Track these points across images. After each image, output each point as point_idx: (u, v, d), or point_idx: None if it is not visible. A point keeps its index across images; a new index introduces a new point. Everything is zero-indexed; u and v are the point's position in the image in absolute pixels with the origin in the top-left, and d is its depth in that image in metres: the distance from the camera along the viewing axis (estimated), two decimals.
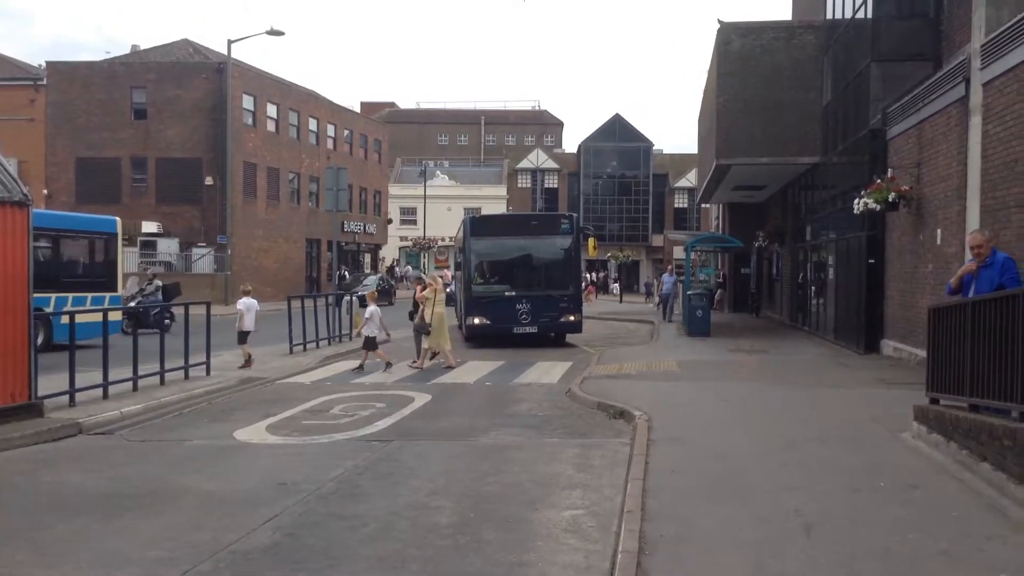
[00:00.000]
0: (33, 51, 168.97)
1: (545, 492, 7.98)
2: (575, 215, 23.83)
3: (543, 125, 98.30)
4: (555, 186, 73.35)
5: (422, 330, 17.43)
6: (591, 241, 23.20)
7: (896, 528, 6.36)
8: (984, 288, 8.41)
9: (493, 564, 6.06)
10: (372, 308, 17.51)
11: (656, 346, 22.01)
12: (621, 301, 48.83)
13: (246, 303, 17.40)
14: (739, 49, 23.26)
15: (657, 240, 69.20)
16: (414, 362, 17.70)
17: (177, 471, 9.07)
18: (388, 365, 17.08)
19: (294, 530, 6.86)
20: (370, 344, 17.25)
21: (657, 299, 25.91)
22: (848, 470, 8.20)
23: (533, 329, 21.43)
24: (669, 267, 27.59)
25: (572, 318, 21.86)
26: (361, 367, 17.09)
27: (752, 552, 5.93)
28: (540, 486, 8.19)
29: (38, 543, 6.64)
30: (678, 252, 43.40)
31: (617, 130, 72.47)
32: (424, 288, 17.93)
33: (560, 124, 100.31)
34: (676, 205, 72.81)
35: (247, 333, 17.21)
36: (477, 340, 21.90)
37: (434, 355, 17.77)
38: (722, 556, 5.90)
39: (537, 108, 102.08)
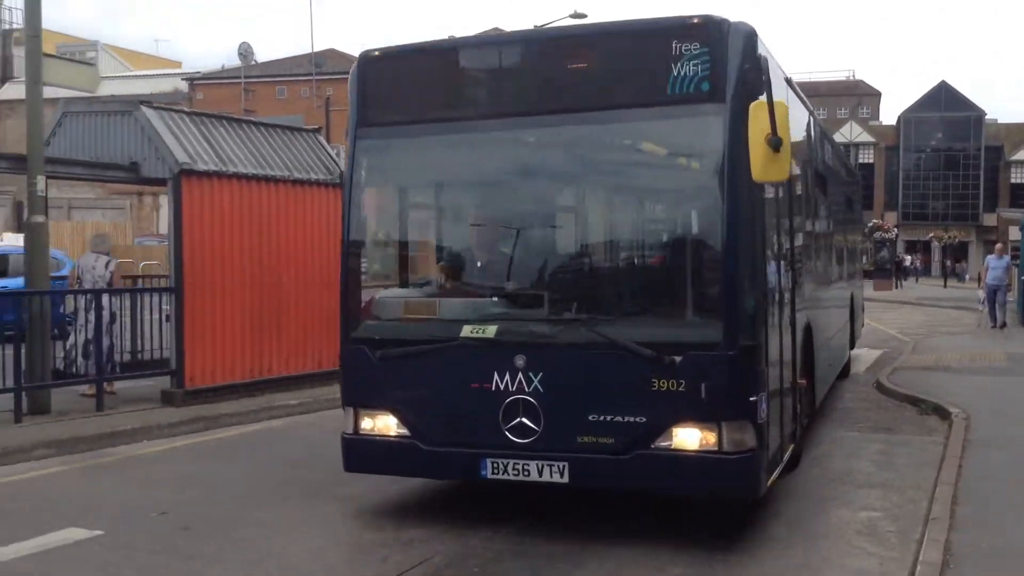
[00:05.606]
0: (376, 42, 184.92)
1: (839, 490, 7.46)
2: (729, 21, 5.57)
3: (858, 96, 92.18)
4: (871, 161, 68.40)
5: None
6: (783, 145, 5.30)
7: None
8: None
9: (775, 568, 5.73)
10: None
11: (981, 336, 19.94)
12: (945, 286, 45.40)
13: None
14: None
15: (989, 219, 62.75)
16: None
17: None
18: None
19: None
20: None
21: (982, 293, 21.31)
22: None
23: (558, 475, 5.72)
24: (999, 246, 23.06)
25: (748, 442, 5.60)
26: None
27: None
28: (834, 483, 7.68)
29: None
30: (1013, 233, 39.00)
31: (943, 98, 66.41)
32: None
33: (877, 94, 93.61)
34: (1012, 180, 65.61)
35: None
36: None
37: None
38: None
39: (852, 78, 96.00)
